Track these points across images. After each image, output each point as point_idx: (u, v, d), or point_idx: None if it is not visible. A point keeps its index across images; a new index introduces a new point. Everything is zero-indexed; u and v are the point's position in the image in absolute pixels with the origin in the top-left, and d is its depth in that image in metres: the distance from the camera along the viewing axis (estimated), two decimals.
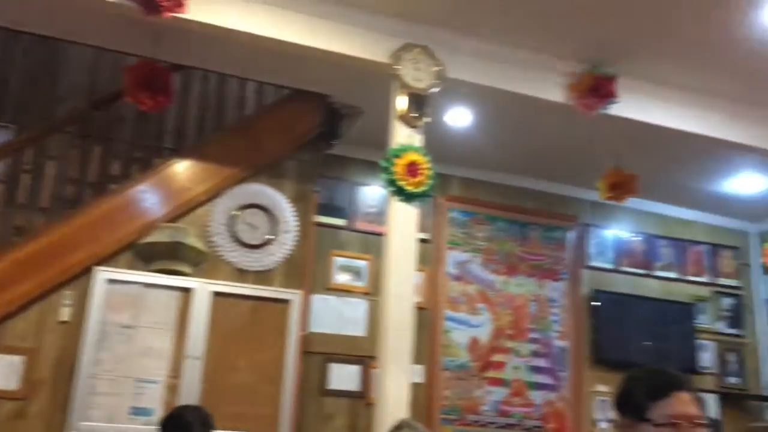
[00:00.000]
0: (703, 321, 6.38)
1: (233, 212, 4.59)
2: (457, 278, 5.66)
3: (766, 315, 6.59)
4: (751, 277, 6.73)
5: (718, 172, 5.73)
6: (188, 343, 4.18)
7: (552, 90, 4.23)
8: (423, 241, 5.49)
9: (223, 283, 4.38)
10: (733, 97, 4.43)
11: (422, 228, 5.48)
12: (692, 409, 1.71)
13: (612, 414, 1.81)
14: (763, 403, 6.34)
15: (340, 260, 5.31)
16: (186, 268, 4.23)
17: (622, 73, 4.13)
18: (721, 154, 5.15)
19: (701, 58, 4.09)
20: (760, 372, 6.49)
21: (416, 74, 3.97)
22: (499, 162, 5.78)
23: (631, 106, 4.25)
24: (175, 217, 4.38)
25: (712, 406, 6.17)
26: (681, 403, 1.71)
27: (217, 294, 4.31)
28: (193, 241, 4.26)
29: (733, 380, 6.36)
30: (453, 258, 5.68)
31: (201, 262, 4.37)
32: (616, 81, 4.10)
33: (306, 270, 4.78)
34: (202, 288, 4.28)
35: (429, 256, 5.56)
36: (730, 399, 6.26)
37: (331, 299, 5.19)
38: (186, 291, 4.25)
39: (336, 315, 5.17)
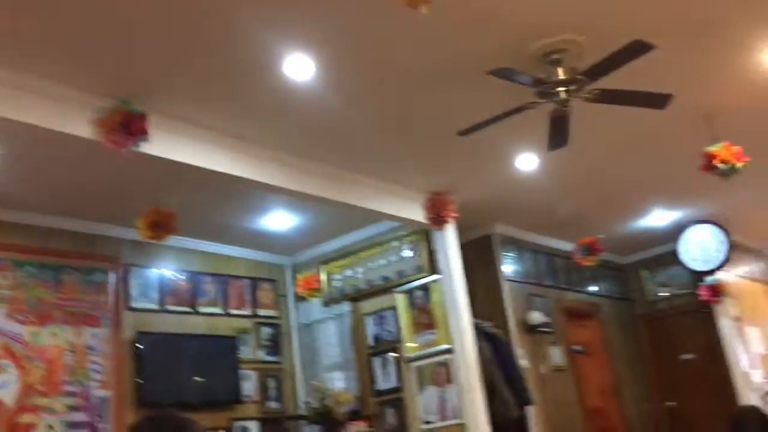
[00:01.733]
0: (246, 352, 6.70)
1: None
2: None
3: (298, 340, 7.23)
4: (287, 307, 7.32)
5: (254, 210, 6.11)
6: None
7: (80, 125, 3.93)
8: None
9: None
10: (259, 140, 4.75)
11: None
12: None
13: None
14: (300, 421, 6.89)
15: None
16: None
17: (153, 111, 4.06)
18: (253, 193, 5.49)
19: (226, 101, 4.28)
20: (296, 393, 7.06)
21: None
22: (25, 201, 5.22)
23: (164, 145, 4.21)
24: None
25: None
26: None
27: None
28: None
29: (273, 405, 6.80)
30: None
31: None
32: (146, 118, 4.03)
33: None
34: None
35: None
36: (271, 423, 6.66)
37: None
38: None
39: None
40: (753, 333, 8.23)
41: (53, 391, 5.19)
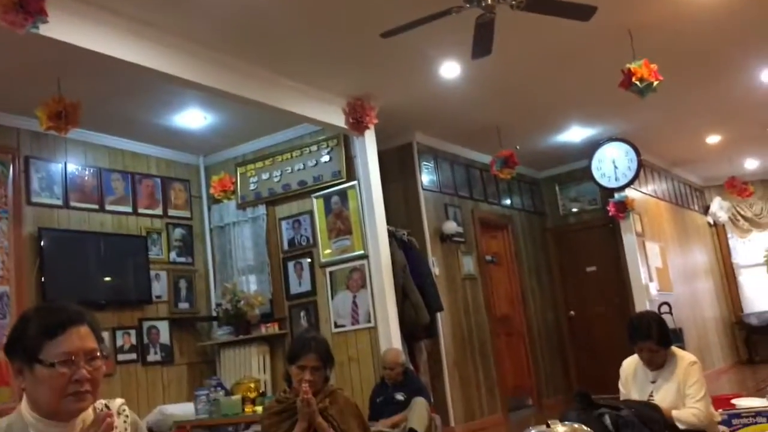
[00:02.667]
0: (156, 252, 6.56)
1: None
2: None
3: (212, 242, 7.12)
4: (201, 208, 7.16)
5: (167, 106, 5.84)
6: None
7: None
8: None
9: None
10: (171, 29, 4.48)
11: None
12: (89, 343, 1.62)
13: None
14: (212, 322, 6.88)
15: None
16: None
17: None
18: (165, 87, 5.23)
19: None
20: (209, 295, 7.01)
21: None
22: None
23: (65, 27, 3.90)
24: None
25: (165, 332, 6.44)
26: (78, 337, 1.61)
27: None
28: None
29: (184, 306, 6.73)
30: None
31: None
32: None
33: None
34: None
35: None
36: (181, 323, 6.62)
37: None
38: None
39: None
40: (653, 248, 8.66)
41: None
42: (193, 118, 6.13)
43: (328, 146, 6.46)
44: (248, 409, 5.44)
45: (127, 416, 1.74)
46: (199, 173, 7.22)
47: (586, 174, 8.39)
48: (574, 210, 9.29)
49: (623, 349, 3.60)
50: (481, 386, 7.19)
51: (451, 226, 7.19)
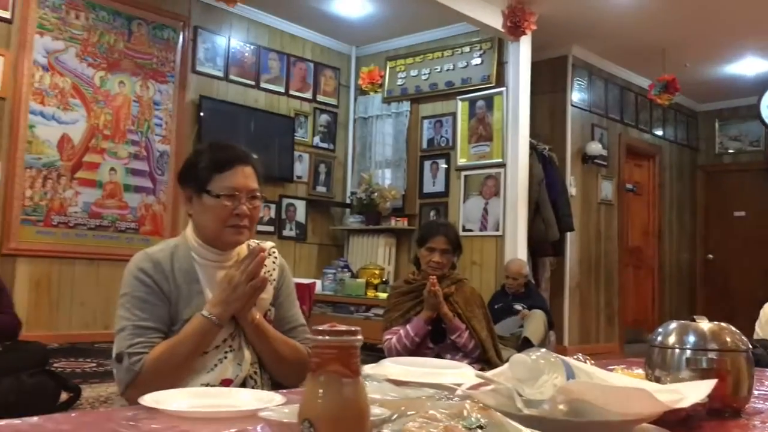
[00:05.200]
0: (302, 134, 6.81)
1: None
2: (47, 68, 5.04)
3: (353, 132, 7.29)
4: (347, 97, 7.31)
5: None
6: None
7: None
8: (4, 21, 4.73)
9: None
10: None
11: (4, 5, 4.71)
12: (251, 183, 1.75)
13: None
14: (345, 209, 7.14)
15: None
16: None
17: None
18: None
19: None
20: (346, 183, 7.25)
21: None
22: None
23: None
24: None
25: (302, 211, 6.76)
26: (242, 175, 1.73)
27: None
28: None
29: (321, 189, 7.01)
30: (42, 45, 5.01)
31: None
32: None
33: None
34: None
35: (11, 39, 4.82)
36: (317, 205, 6.92)
37: None
38: None
39: None
40: None
41: (118, 137, 5.41)
42: (350, 4, 6.17)
43: (480, 49, 6.34)
44: (370, 293, 5.70)
45: (276, 258, 1.87)
46: (349, 63, 7.33)
47: (753, 112, 7.77)
48: (731, 150, 8.69)
49: (759, 304, 3.39)
50: (600, 313, 7.10)
51: (595, 148, 6.95)
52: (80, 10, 5.21)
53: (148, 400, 1.15)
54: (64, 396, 2.82)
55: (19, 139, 4.84)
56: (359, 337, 0.74)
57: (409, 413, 0.89)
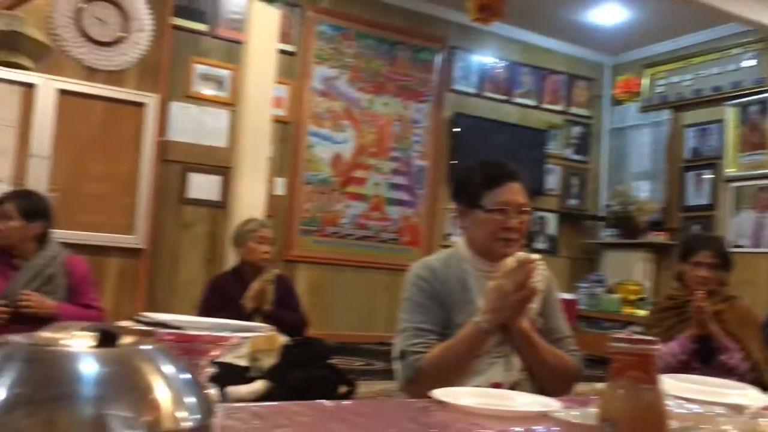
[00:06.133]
0: (553, 147, 6.78)
1: (80, 4, 4.21)
2: (323, 94, 5.61)
3: (608, 144, 7.09)
4: (601, 108, 7.14)
5: (583, 1, 5.84)
6: (33, 142, 3.96)
7: None
8: (289, 54, 5.35)
9: (70, 80, 4.10)
10: None
11: (289, 40, 5.33)
12: (520, 198, 1.84)
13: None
14: (598, 222, 6.97)
15: (200, 68, 5.08)
16: (27, 62, 3.91)
17: None
18: None
19: None
20: (599, 195, 7.08)
21: None
22: None
23: None
24: (11, 5, 3.97)
25: (552, 224, 6.73)
26: (511, 192, 1.83)
27: (64, 92, 4.05)
28: (33, 31, 3.91)
29: (573, 202, 6.91)
30: (320, 73, 5.60)
31: (43, 56, 4.04)
32: None
33: (162, 74, 4.55)
34: (47, 84, 4.00)
35: (295, 69, 5.45)
36: (569, 218, 6.83)
37: (192, 108, 5.02)
38: (29, 87, 3.96)
39: (196, 124, 5.03)
40: None
41: (381, 154, 5.85)
42: (606, 13, 6.03)
43: (754, 50, 5.83)
44: (627, 309, 5.50)
45: (543, 270, 1.94)
46: (603, 72, 7.15)
47: None
48: None
49: None
50: None
51: None
52: (351, 39, 5.73)
53: (439, 394, 1.28)
54: (341, 389, 3.14)
55: (300, 159, 5.46)
56: (657, 346, 0.79)
57: (701, 426, 0.91)
